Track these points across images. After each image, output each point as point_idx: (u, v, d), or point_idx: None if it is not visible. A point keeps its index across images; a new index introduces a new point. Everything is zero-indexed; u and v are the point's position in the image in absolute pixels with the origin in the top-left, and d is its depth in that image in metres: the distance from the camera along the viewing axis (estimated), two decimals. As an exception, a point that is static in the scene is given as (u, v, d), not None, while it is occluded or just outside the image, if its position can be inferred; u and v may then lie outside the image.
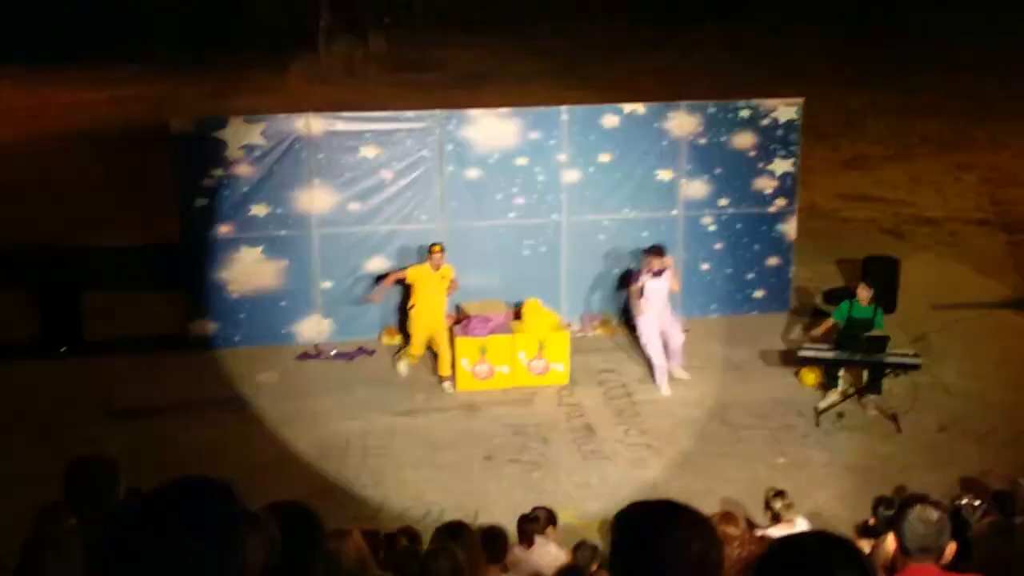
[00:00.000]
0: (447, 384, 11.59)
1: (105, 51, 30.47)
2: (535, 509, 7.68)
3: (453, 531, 5.96)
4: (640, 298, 11.40)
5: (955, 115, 24.21)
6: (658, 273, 11.32)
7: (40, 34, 31.14)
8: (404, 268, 11.85)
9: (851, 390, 11.15)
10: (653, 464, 10.13)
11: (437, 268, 11.48)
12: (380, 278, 12.26)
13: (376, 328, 12.78)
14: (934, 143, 22.40)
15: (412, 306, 11.66)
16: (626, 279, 12.46)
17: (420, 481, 9.87)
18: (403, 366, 11.92)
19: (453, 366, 11.57)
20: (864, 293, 11.30)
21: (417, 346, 11.72)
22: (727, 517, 6.62)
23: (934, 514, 4.01)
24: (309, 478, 9.84)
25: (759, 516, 8.35)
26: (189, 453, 10.06)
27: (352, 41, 32.59)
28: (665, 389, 11.42)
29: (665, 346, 11.54)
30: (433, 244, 11.61)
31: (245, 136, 12.02)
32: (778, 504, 7.80)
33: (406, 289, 11.91)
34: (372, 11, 33.73)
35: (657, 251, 11.40)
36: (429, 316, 11.56)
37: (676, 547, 2.60)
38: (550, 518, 7.55)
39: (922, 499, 4.14)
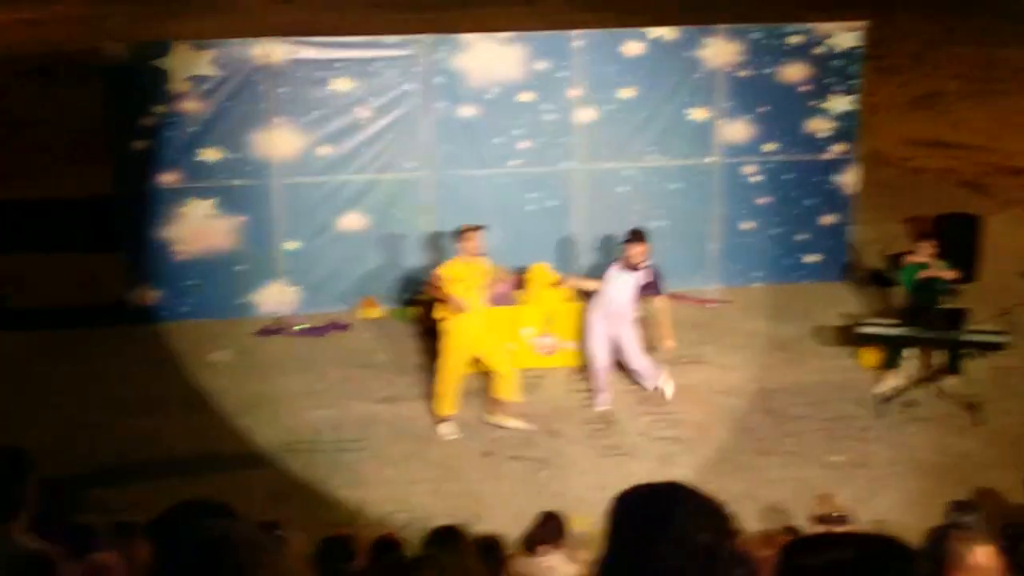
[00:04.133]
0: (513, 422, 10.60)
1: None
2: (541, 515, 7.72)
3: (444, 538, 6.00)
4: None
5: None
6: (632, 267, 10.78)
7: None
8: (439, 271, 10.63)
9: (921, 374, 11.16)
10: (683, 462, 10.15)
11: (472, 260, 10.55)
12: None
13: (352, 298, 12.81)
14: (1024, 78, 22.34)
15: (443, 319, 10.59)
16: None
17: (404, 481, 9.90)
18: (448, 428, 10.59)
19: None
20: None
21: (452, 385, 10.56)
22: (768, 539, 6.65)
23: None
24: (270, 477, 9.87)
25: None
26: (126, 446, 10.15)
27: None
28: (601, 405, 10.93)
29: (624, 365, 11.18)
30: (465, 227, 10.65)
31: (192, 66, 12.00)
32: (831, 511, 7.84)
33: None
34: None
35: (638, 237, 10.73)
36: (472, 334, 10.52)
37: (681, 536, 2.59)
38: (559, 526, 7.59)
39: None
